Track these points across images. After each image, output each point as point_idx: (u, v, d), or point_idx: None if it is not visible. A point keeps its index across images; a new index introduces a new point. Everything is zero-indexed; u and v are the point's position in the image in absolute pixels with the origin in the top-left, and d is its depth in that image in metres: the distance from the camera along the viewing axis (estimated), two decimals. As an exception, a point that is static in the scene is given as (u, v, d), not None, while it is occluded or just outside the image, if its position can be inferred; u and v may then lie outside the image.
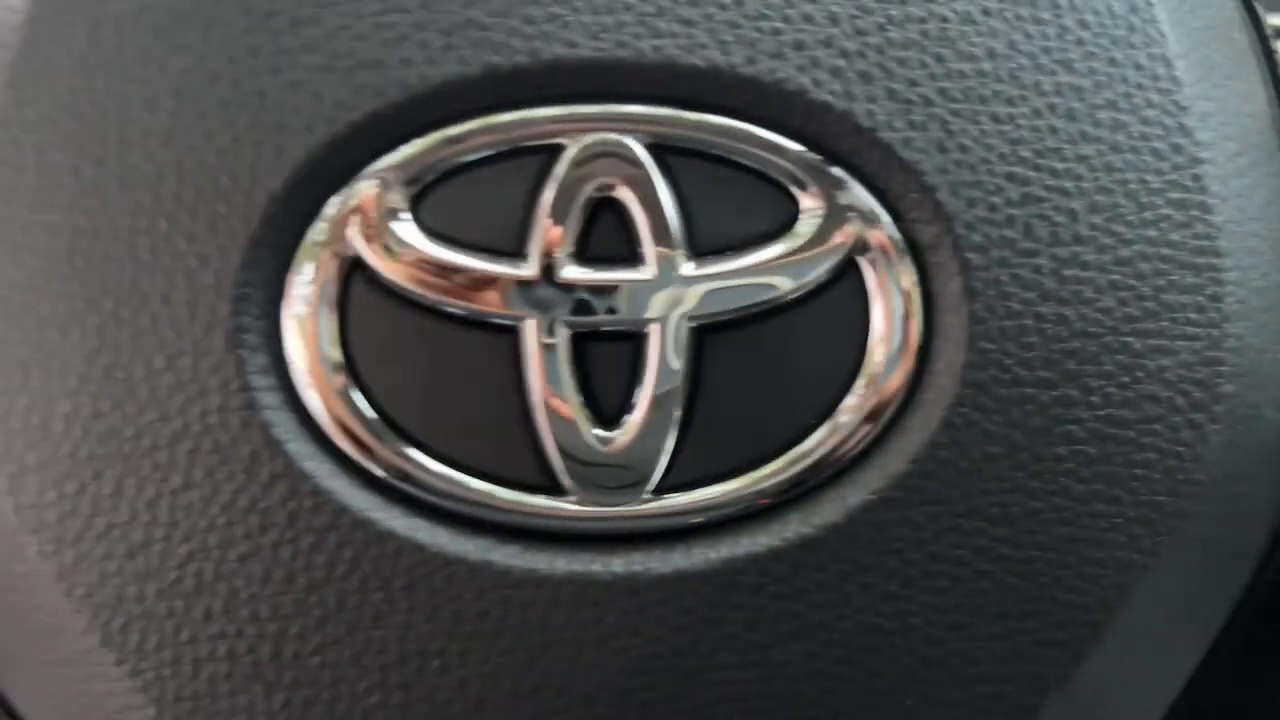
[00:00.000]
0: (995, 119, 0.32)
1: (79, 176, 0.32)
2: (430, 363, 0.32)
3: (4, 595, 0.34)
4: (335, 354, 0.32)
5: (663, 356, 0.32)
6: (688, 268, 0.32)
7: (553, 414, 0.32)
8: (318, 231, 0.32)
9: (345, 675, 0.32)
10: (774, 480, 0.32)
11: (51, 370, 0.32)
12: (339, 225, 0.32)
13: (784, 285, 0.32)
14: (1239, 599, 0.37)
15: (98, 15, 0.32)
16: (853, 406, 0.32)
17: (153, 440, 0.32)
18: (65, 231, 0.32)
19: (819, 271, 0.32)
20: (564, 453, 0.32)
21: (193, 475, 0.32)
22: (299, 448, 0.32)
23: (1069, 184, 0.32)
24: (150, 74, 0.32)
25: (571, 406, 0.32)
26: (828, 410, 0.32)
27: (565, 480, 0.32)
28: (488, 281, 0.32)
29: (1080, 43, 0.33)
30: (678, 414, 0.32)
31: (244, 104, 0.32)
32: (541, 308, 0.32)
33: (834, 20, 0.32)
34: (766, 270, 0.32)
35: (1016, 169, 0.32)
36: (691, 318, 0.32)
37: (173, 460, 0.32)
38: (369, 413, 0.32)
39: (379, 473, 0.32)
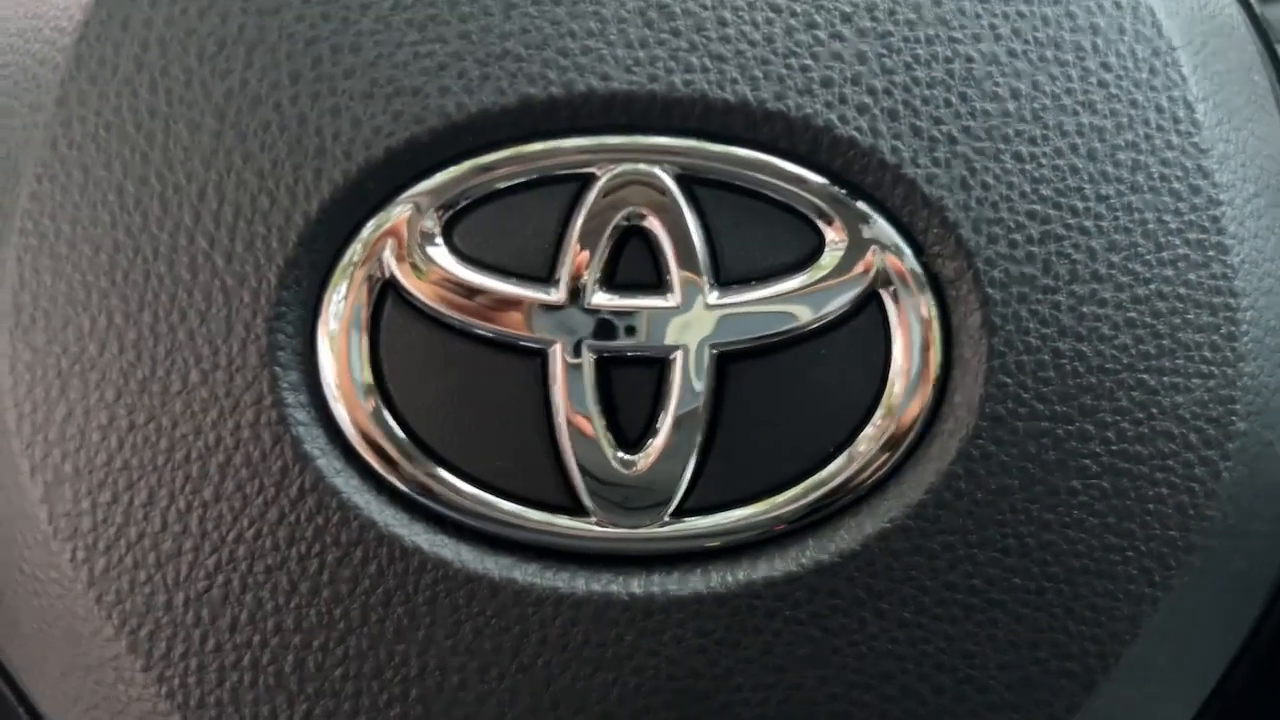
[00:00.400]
0: (1018, 158, 0.33)
1: (122, 194, 0.33)
2: (458, 383, 0.33)
3: (33, 600, 0.35)
4: (366, 373, 0.33)
5: (685, 382, 0.33)
6: (712, 296, 0.33)
7: (577, 436, 0.33)
8: (353, 253, 0.33)
9: (367, 688, 0.33)
10: (792, 507, 0.33)
11: (90, 382, 0.33)
12: (373, 248, 0.33)
13: (806, 315, 0.33)
14: (1250, 632, 0.37)
15: (144, 37, 0.33)
16: (871, 436, 0.33)
17: (186, 452, 0.33)
18: (107, 247, 0.33)
19: (840, 302, 0.33)
20: (586, 474, 0.33)
21: (224, 488, 0.33)
22: (328, 463, 0.33)
23: (1089, 223, 0.33)
24: (194, 96, 0.33)
25: (595, 429, 0.33)
26: (847, 439, 0.33)
27: (587, 501, 0.33)
28: (517, 305, 0.33)
29: (1103, 85, 0.33)
30: (699, 439, 0.33)
31: (285, 127, 0.32)
32: (568, 332, 0.32)
33: (861, 58, 0.33)
34: (789, 300, 0.33)
35: (1037, 207, 0.33)
36: (714, 345, 0.33)
37: (205, 472, 0.33)
38: (397, 430, 0.33)
39: (405, 489, 0.33)
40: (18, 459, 0.33)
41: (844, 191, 0.33)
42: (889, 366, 0.33)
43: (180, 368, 0.33)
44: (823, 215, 0.33)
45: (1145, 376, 0.33)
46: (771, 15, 0.33)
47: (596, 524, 0.33)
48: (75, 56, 0.33)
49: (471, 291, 0.33)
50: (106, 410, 0.33)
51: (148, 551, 0.33)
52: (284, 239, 0.32)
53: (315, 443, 0.33)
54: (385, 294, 0.33)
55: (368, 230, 0.33)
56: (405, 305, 0.33)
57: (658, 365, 0.33)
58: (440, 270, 0.33)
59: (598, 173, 0.33)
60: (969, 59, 0.33)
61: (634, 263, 0.33)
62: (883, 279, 0.33)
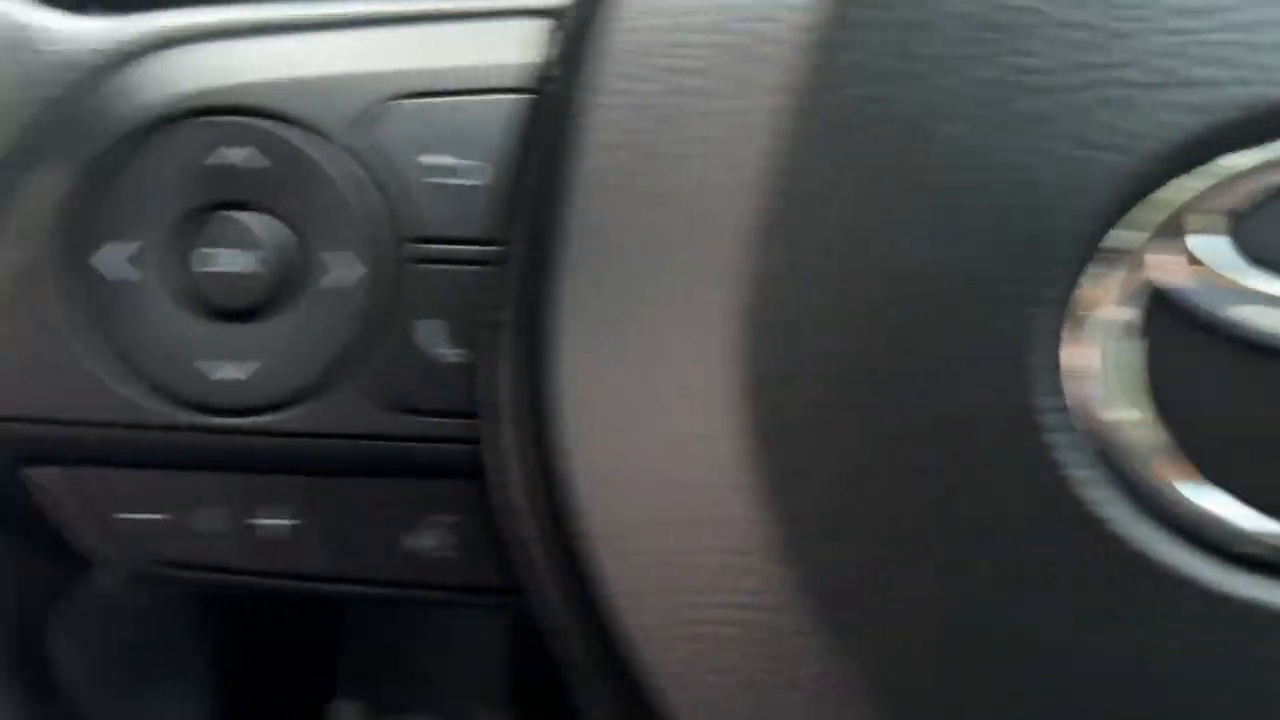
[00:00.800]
0: None
1: (875, 192, 0.31)
2: (1230, 395, 0.31)
3: (742, 613, 0.33)
4: (1127, 380, 0.31)
5: None
6: None
7: None
8: (1121, 253, 0.31)
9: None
10: None
11: (842, 385, 0.31)
12: (1145, 247, 0.31)
13: None
14: None
15: (902, 19, 0.31)
16: None
17: (931, 461, 0.31)
18: (863, 249, 0.31)
19: None
20: None
21: (968, 499, 0.31)
22: (1079, 473, 0.31)
23: None
24: (953, 84, 0.31)
25: None
26: None
27: None
28: None
29: None
30: None
31: (1054, 118, 0.31)
32: None
33: None
34: None
35: None
36: None
37: (949, 482, 0.31)
38: (1159, 444, 0.31)
39: (1179, 519, 0.31)
40: (749, 458, 0.32)
41: None
42: None
43: (934, 366, 0.31)
44: None
45: None
46: None
47: None
48: (821, 41, 0.32)
49: (1254, 295, 0.30)
50: (858, 411, 0.31)
51: (883, 561, 0.31)
52: (1049, 238, 0.30)
53: (1067, 450, 0.31)
54: (1150, 297, 0.31)
55: (1138, 227, 0.31)
56: (1172, 309, 0.31)
57: None
58: (1217, 274, 0.31)
59: None
60: None
61: None
62: None
